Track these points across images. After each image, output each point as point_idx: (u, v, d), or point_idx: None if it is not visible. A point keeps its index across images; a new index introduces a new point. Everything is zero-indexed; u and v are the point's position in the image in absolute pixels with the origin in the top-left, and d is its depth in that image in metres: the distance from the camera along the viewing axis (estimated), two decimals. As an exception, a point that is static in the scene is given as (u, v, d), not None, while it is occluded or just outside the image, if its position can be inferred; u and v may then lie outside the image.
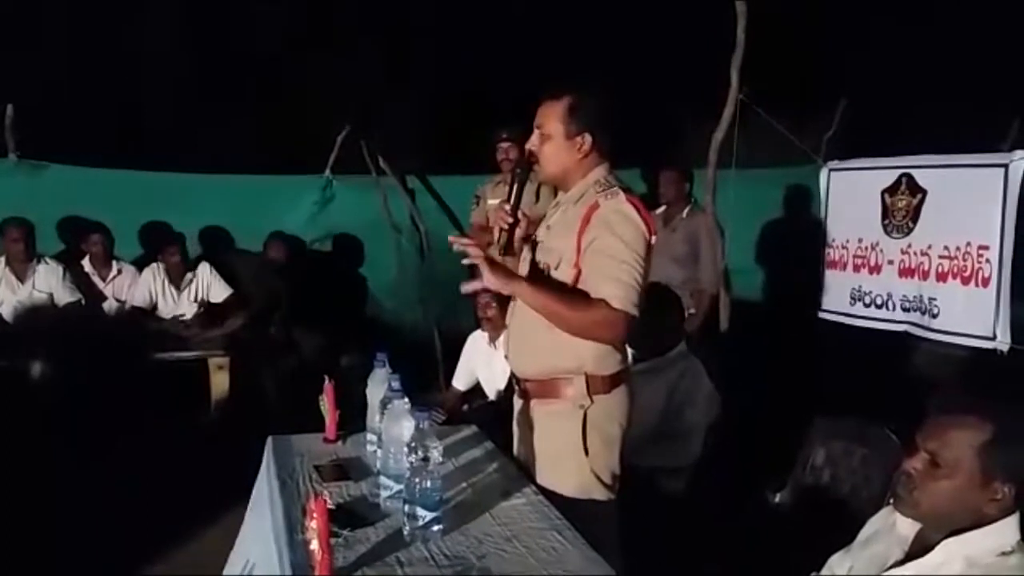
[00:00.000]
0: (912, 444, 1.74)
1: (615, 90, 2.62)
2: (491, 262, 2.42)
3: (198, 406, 5.13)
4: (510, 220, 2.59)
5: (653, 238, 2.43)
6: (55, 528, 3.72)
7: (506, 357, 2.71)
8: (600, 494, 2.49)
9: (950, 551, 1.68)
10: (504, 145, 5.18)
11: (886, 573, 1.77)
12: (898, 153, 4.20)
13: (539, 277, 2.50)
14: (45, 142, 5.80)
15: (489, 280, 2.40)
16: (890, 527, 1.84)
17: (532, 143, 2.55)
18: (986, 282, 3.58)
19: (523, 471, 2.51)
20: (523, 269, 2.60)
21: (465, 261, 2.48)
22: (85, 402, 4.64)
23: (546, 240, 2.55)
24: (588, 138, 2.46)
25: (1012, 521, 1.67)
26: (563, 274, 2.44)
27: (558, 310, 2.40)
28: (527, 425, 2.57)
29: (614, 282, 2.34)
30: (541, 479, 2.47)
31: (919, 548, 1.75)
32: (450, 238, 2.52)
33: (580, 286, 2.41)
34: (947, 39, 7.79)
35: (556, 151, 2.50)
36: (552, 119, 2.48)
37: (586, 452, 2.45)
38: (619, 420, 2.52)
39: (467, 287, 2.49)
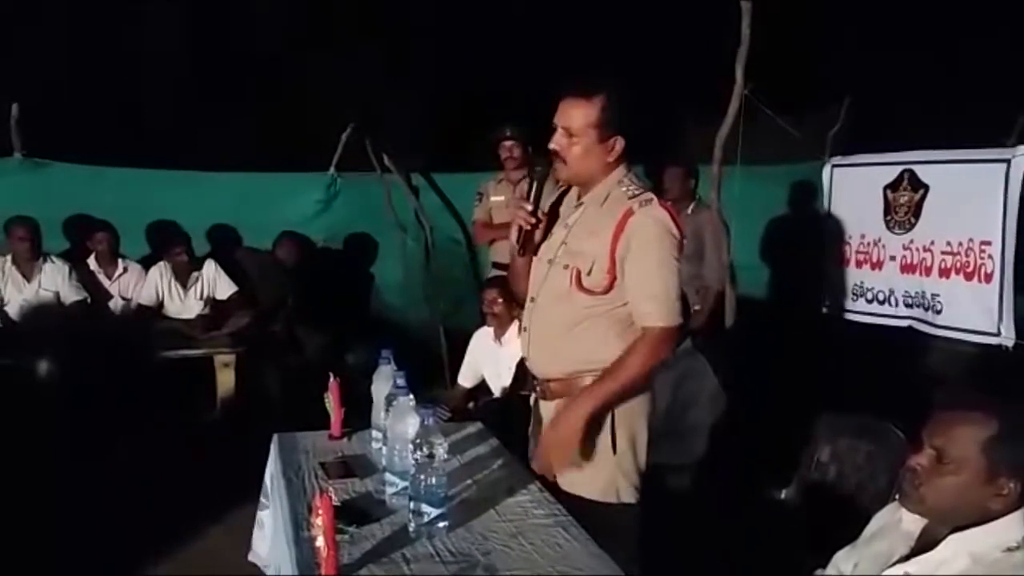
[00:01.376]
0: (918, 440, 1.74)
1: (645, 90, 2.58)
2: (548, 448, 2.39)
3: (204, 404, 5.15)
4: (533, 221, 2.53)
5: (684, 241, 2.41)
6: (61, 525, 3.73)
7: (524, 359, 2.66)
8: (628, 494, 2.44)
9: (955, 547, 1.67)
10: (507, 143, 5.17)
11: (890, 571, 1.77)
12: (901, 149, 4.19)
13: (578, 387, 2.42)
14: (50, 141, 5.82)
15: (562, 456, 2.37)
16: (896, 523, 1.83)
17: (557, 143, 2.43)
18: (989, 278, 3.57)
19: (528, 467, 2.51)
20: (539, 272, 2.54)
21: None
22: (91, 400, 4.65)
23: (570, 242, 2.47)
24: (621, 141, 2.40)
25: (1018, 517, 1.67)
26: (596, 279, 2.38)
27: (617, 387, 2.35)
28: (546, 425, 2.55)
29: (655, 300, 2.32)
30: (563, 480, 2.43)
31: (924, 544, 1.75)
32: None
33: (615, 292, 2.37)
34: (951, 35, 7.77)
35: (586, 153, 2.40)
36: (582, 120, 2.37)
37: (614, 451, 2.41)
38: (645, 417, 2.48)
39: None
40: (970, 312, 3.66)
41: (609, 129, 2.38)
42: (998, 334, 3.56)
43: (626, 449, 2.43)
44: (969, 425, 1.66)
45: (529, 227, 2.54)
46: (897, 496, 1.81)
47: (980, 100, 6.39)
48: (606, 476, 2.42)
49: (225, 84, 8.74)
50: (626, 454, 2.43)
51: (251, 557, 2.77)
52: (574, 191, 2.57)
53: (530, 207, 2.53)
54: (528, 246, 2.58)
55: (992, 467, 1.64)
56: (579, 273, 2.40)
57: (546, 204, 2.71)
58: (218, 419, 5.11)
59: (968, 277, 3.67)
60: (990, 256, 3.56)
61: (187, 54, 9.40)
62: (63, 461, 4.27)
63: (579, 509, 2.24)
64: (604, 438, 2.40)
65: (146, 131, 8.29)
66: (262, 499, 2.73)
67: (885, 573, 1.77)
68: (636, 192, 2.39)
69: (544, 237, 2.58)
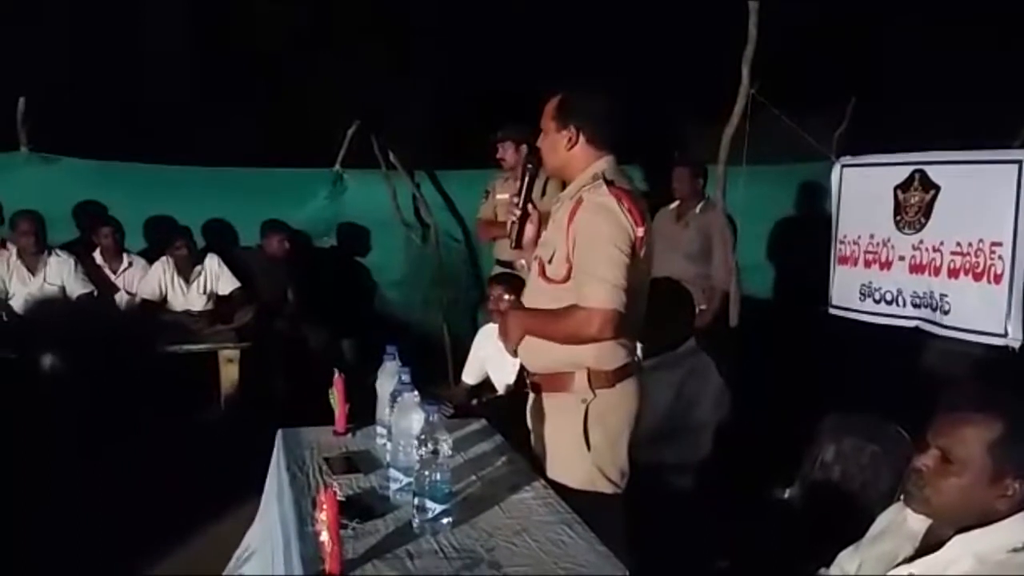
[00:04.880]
0: (923, 441, 1.74)
1: (611, 85, 2.66)
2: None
3: (208, 399, 5.15)
4: (517, 213, 2.67)
5: (640, 229, 2.42)
6: (65, 519, 3.73)
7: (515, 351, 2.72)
8: (605, 488, 2.51)
9: (960, 548, 1.67)
10: (498, 145, 5.17)
11: (895, 571, 1.77)
12: (907, 149, 4.17)
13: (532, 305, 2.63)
14: (57, 135, 5.82)
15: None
16: (900, 523, 1.83)
17: (540, 139, 2.64)
18: (998, 278, 3.55)
19: (536, 464, 2.53)
20: (534, 269, 2.63)
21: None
22: (96, 394, 4.66)
23: (546, 235, 2.61)
24: (574, 131, 2.53)
25: (1022, 518, 1.67)
26: (557, 267, 2.48)
27: (542, 329, 2.50)
28: (539, 418, 2.59)
29: (594, 281, 2.36)
30: (550, 471, 2.50)
31: (929, 544, 1.74)
32: None
33: (573, 282, 2.44)
34: (958, 35, 7.74)
35: (550, 145, 2.60)
36: (547, 116, 2.59)
37: (588, 446, 2.47)
38: (624, 415, 2.53)
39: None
40: (978, 313, 3.64)
41: (564, 120, 2.54)
42: (1005, 335, 3.54)
43: (601, 445, 2.49)
44: (974, 426, 1.66)
45: (515, 219, 2.68)
46: (902, 496, 1.80)
47: (987, 102, 6.36)
48: (582, 470, 2.49)
49: (230, 80, 8.75)
50: (601, 450, 2.49)
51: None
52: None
53: (517, 200, 2.69)
54: (520, 240, 2.71)
55: (997, 468, 1.64)
56: (543, 263, 2.52)
57: (549, 202, 2.79)
58: (222, 414, 5.11)
59: (977, 278, 3.64)
60: (1000, 257, 3.54)
61: (192, 50, 9.41)
62: (67, 455, 4.28)
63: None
64: (578, 435, 2.47)
65: (151, 127, 8.30)
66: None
67: (890, 573, 1.77)
68: (595, 181, 2.47)
69: (538, 233, 2.69)
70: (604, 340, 2.41)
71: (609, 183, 2.45)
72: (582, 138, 2.54)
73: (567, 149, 2.55)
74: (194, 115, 8.64)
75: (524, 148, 4.90)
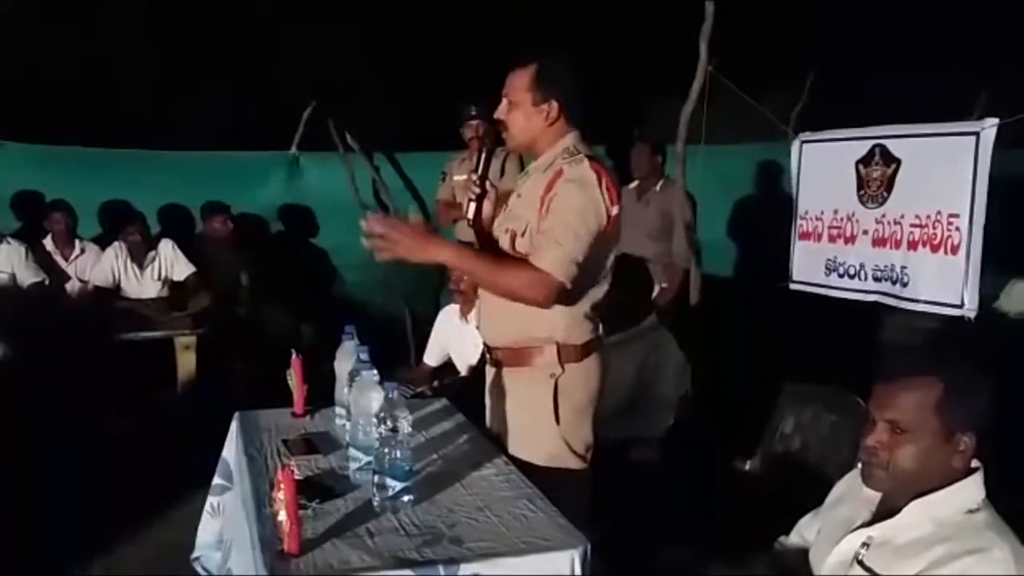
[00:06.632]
0: (868, 418, 1.75)
1: (584, 57, 2.59)
2: (413, 231, 2.35)
3: (165, 386, 5.06)
4: (477, 190, 2.60)
5: (615, 208, 2.39)
6: (19, 511, 3.65)
7: (478, 327, 2.70)
8: (572, 463, 2.49)
9: (917, 513, 1.69)
10: (473, 123, 5.13)
11: (852, 536, 1.78)
12: (866, 125, 4.19)
13: (487, 246, 2.52)
14: (3, 120, 5.68)
15: (405, 246, 2.31)
16: (858, 489, 1.84)
17: (500, 112, 2.54)
18: (955, 249, 3.57)
19: (495, 442, 2.51)
20: (503, 241, 2.55)
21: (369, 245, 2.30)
22: (49, 385, 4.56)
23: (515, 208, 2.53)
24: (555, 105, 2.45)
25: (977, 479, 1.69)
26: (528, 241, 2.41)
27: (481, 273, 2.41)
28: (499, 395, 2.56)
29: (553, 245, 2.31)
30: (513, 448, 2.47)
31: (885, 509, 1.76)
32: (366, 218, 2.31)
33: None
34: (913, 11, 7.82)
35: (524, 119, 2.48)
36: (519, 87, 2.47)
37: (557, 421, 2.45)
38: (591, 389, 2.52)
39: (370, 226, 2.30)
40: (935, 284, 3.67)
41: (542, 93, 2.45)
42: (961, 305, 3.58)
43: (570, 420, 2.47)
44: (916, 391, 1.68)
45: (474, 196, 2.61)
46: (862, 475, 1.79)
47: (943, 76, 6.43)
48: (550, 445, 2.46)
49: (188, 60, 8.59)
50: (570, 425, 2.48)
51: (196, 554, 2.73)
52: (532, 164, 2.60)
53: (475, 176, 2.62)
54: (477, 216, 2.64)
55: (946, 426, 1.66)
56: (514, 235, 2.45)
57: (509, 181, 2.73)
58: (180, 401, 5.03)
59: (935, 249, 3.67)
60: (957, 228, 3.57)
61: (146, 33, 9.21)
62: (21, 446, 4.18)
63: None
64: (547, 408, 2.44)
65: (105, 111, 8.13)
66: (220, 481, 2.69)
67: (848, 537, 1.78)
68: (573, 155, 2.42)
69: (497, 209, 2.64)
70: (535, 303, 2.35)
71: (590, 158, 2.41)
72: (556, 111, 2.45)
73: (547, 124, 2.46)
74: (150, 99, 8.47)
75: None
